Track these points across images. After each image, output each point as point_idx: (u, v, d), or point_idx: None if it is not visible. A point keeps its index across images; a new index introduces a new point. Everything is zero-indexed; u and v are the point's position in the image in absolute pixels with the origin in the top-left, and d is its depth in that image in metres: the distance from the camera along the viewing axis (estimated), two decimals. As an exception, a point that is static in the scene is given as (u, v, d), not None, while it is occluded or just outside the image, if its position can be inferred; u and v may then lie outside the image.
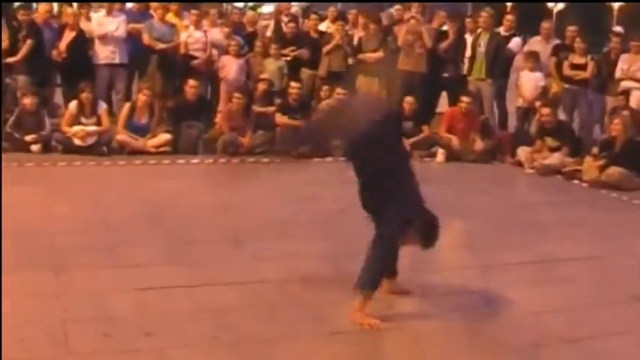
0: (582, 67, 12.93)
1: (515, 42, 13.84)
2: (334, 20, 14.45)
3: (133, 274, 6.11)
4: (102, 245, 6.86)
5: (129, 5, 14.69)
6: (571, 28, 13.76)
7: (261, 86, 12.77)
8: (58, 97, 13.52)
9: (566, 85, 13.10)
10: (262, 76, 13.06)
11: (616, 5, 56.42)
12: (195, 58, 13.31)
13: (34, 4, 15.09)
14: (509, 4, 47.57)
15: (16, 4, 13.49)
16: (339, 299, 5.61)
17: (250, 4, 72.04)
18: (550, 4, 58.09)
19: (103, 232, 7.29)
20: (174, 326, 5.17)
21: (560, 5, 58.13)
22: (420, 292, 6.11)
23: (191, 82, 12.11)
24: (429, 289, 6.24)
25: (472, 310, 5.89)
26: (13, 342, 4.80)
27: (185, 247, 6.95)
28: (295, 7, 19.37)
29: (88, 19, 13.66)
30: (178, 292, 5.75)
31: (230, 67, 13.15)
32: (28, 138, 11.18)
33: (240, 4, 70.95)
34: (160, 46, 13.09)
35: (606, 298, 6.30)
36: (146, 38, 13.16)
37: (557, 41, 13.90)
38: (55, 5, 17.30)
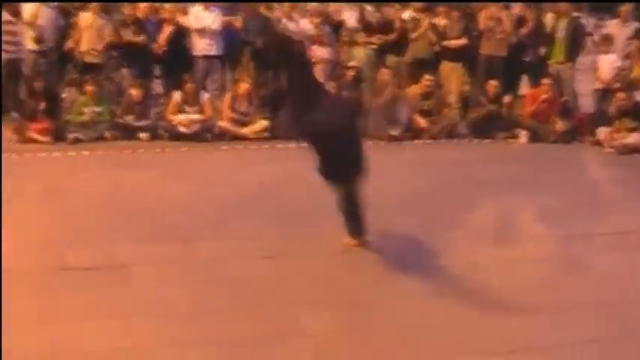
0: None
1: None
2: (416, 9, 15.02)
3: (249, 245, 6.89)
4: (219, 221, 7.67)
5: None
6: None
7: (350, 73, 13.42)
8: (156, 87, 14.42)
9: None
10: (350, 63, 13.71)
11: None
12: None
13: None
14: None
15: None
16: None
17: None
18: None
19: (218, 210, 8.08)
20: (290, 288, 5.93)
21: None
22: (506, 257, 6.84)
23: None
24: (514, 255, 6.94)
25: (551, 272, 6.55)
26: (158, 301, 5.65)
27: (290, 221, 7.66)
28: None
29: (185, 13, 14.48)
30: (289, 260, 6.50)
31: (320, 55, 13.82)
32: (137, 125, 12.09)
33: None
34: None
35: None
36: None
37: (636, 24, 14.29)
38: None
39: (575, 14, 14.68)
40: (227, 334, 5.16)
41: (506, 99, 12.95)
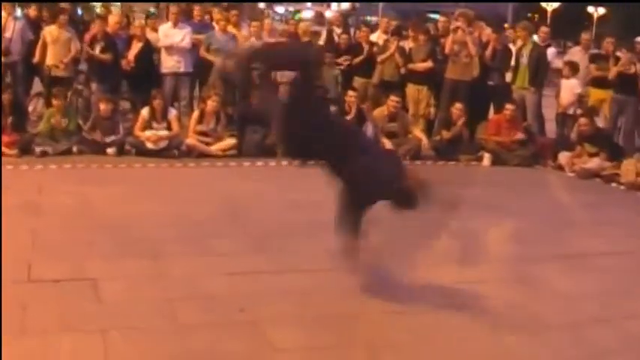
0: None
1: (550, 52, 14.60)
2: (386, 31, 15.20)
3: (221, 262, 6.97)
4: (190, 237, 7.73)
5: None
6: (609, 40, 14.40)
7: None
8: (125, 103, 14.47)
9: (616, 94, 13.71)
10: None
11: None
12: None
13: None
14: (549, 10, 48.05)
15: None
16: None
17: (291, 9, 72.94)
18: (591, 10, 58.11)
19: (188, 226, 8.14)
20: (263, 304, 6.01)
21: (601, 10, 58.12)
22: (471, 278, 6.94)
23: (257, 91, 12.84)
24: (479, 276, 7.07)
25: (517, 293, 6.67)
26: (131, 316, 5.72)
27: (262, 239, 7.75)
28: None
29: (155, 30, 14.56)
30: (263, 277, 6.60)
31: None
32: (105, 140, 12.07)
33: (281, 10, 71.91)
34: (218, 60, 13.81)
35: (637, 286, 7.06)
36: (202, 51, 14.07)
37: (594, 51, 14.60)
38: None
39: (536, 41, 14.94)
40: (203, 350, 5.24)
41: (461, 121, 13.13)
